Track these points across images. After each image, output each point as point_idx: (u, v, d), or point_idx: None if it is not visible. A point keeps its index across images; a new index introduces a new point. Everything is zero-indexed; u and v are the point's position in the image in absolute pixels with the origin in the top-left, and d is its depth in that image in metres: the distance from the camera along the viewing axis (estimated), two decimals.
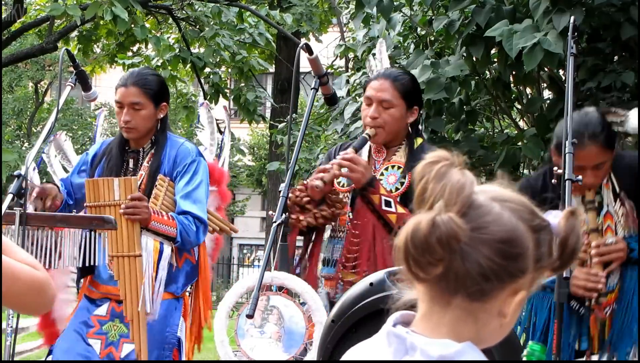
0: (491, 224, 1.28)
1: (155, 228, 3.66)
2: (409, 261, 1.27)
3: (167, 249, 3.70)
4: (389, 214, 3.40)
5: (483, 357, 1.30)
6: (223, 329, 3.06)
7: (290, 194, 3.35)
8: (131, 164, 3.84)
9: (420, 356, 1.27)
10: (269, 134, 13.80)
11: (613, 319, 3.33)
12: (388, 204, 3.41)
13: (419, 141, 3.59)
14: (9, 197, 3.22)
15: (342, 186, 3.53)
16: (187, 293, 3.89)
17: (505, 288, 1.29)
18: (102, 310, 3.77)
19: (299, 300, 3.14)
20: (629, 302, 3.32)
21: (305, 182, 3.42)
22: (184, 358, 3.82)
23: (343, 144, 3.70)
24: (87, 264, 3.61)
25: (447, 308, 1.30)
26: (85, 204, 3.68)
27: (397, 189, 3.49)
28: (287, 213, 3.11)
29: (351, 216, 3.49)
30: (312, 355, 3.02)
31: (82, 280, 3.88)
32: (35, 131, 23.58)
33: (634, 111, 3.35)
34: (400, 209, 3.41)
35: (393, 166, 3.53)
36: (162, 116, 3.84)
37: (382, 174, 3.51)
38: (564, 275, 2.98)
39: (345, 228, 3.49)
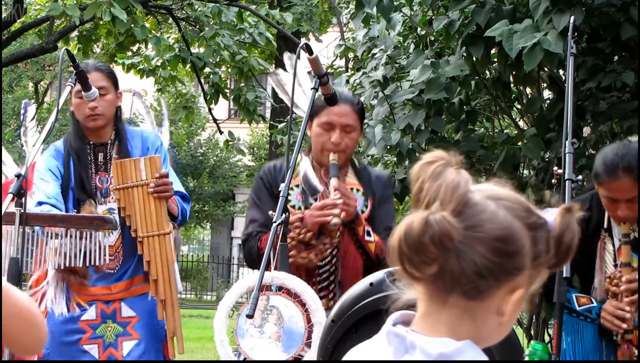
0: (486, 222, 1.28)
1: (169, 207, 3.71)
2: (404, 261, 1.28)
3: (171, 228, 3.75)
4: (369, 244, 3.44)
5: (483, 355, 1.30)
6: (223, 329, 3.05)
7: (290, 234, 3.33)
8: (101, 158, 3.84)
9: (420, 354, 1.27)
10: (269, 134, 13.80)
11: None
12: (368, 233, 3.45)
13: (355, 161, 3.64)
14: (9, 197, 3.22)
15: (299, 209, 3.50)
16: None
17: (502, 286, 1.29)
18: (91, 313, 3.74)
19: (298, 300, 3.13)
20: None
21: (299, 216, 3.38)
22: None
23: (275, 166, 3.61)
24: (87, 264, 3.61)
25: (444, 306, 1.31)
26: (113, 188, 3.71)
27: (362, 212, 3.50)
28: (287, 213, 3.10)
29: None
30: (312, 355, 3.02)
31: None
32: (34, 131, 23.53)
33: None
34: (376, 237, 3.46)
35: (352, 189, 3.53)
36: (120, 104, 3.91)
37: None
38: (564, 275, 2.98)
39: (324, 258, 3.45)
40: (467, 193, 1.29)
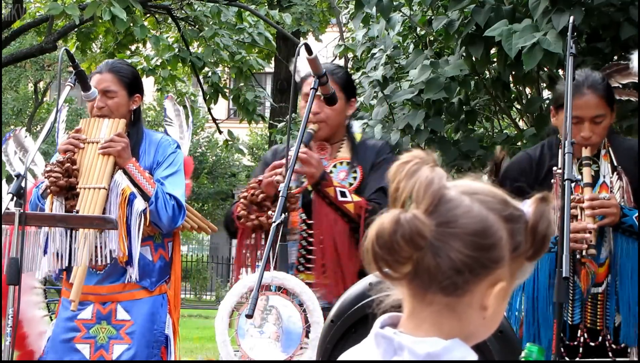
0: (460, 217, 1.28)
1: (132, 173, 3.68)
2: (378, 262, 1.28)
3: (139, 203, 3.68)
4: (345, 204, 3.38)
5: (472, 353, 1.30)
6: (225, 329, 3.05)
7: (244, 193, 3.36)
8: None
9: (409, 355, 1.27)
10: (268, 134, 13.80)
11: (609, 296, 3.30)
12: (343, 194, 3.40)
13: (358, 136, 3.63)
14: (9, 197, 3.21)
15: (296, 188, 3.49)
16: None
17: (482, 280, 1.29)
18: (87, 313, 3.74)
19: (297, 300, 3.13)
20: (623, 282, 3.28)
21: (258, 179, 3.39)
22: (172, 356, 3.81)
23: (277, 148, 3.68)
24: (70, 264, 3.62)
25: (426, 304, 1.31)
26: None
27: (350, 184, 3.48)
28: (286, 213, 3.10)
29: (304, 217, 3.46)
30: (310, 354, 3.02)
31: (61, 277, 3.88)
32: (35, 131, 23.56)
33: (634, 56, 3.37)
34: (356, 198, 3.41)
35: (341, 163, 3.53)
36: (134, 107, 3.88)
37: (330, 171, 3.50)
38: (564, 275, 2.98)
39: (298, 230, 3.45)
40: (441, 189, 1.29)
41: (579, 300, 3.34)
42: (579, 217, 3.27)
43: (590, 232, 3.21)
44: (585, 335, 3.32)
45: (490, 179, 3.49)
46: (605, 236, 3.32)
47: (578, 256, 3.25)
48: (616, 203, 3.27)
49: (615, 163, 3.37)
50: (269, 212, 3.32)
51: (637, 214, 3.28)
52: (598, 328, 3.32)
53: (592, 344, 3.32)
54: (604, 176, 3.36)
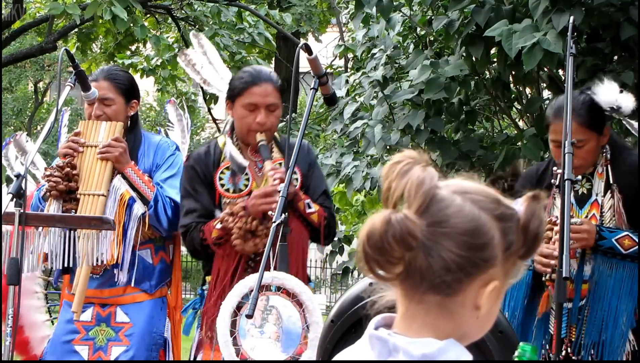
0: (451, 217, 1.28)
1: (130, 178, 3.67)
2: (369, 263, 1.28)
3: (138, 208, 3.68)
4: (312, 216, 3.46)
5: (467, 353, 1.29)
6: (227, 330, 3.05)
7: (236, 223, 3.36)
8: None
9: (404, 356, 1.27)
10: None
11: (589, 314, 3.30)
12: (309, 205, 3.47)
13: (276, 134, 3.67)
14: (9, 197, 3.21)
15: (233, 192, 3.51)
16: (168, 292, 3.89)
17: (475, 280, 1.29)
18: (87, 315, 3.74)
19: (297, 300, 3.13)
20: (604, 298, 3.28)
21: (242, 206, 3.38)
22: (170, 359, 3.81)
23: (205, 153, 3.58)
24: (67, 264, 3.61)
25: (418, 304, 1.30)
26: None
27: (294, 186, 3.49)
28: (286, 213, 3.10)
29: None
30: (309, 354, 3.02)
31: (61, 281, 3.88)
32: (35, 131, 23.56)
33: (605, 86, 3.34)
34: (316, 206, 3.49)
35: (280, 164, 3.53)
36: (132, 113, 3.85)
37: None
38: (564, 275, 2.98)
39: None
40: (432, 189, 1.28)
41: (565, 315, 3.33)
42: (552, 239, 3.27)
43: (555, 258, 3.20)
44: (569, 349, 3.32)
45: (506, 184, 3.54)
46: (587, 255, 3.32)
47: (543, 278, 3.28)
48: (587, 228, 3.25)
49: (612, 181, 3.33)
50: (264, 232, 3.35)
51: (619, 235, 3.25)
52: (581, 342, 3.31)
53: (575, 358, 3.31)
54: (597, 195, 3.34)
